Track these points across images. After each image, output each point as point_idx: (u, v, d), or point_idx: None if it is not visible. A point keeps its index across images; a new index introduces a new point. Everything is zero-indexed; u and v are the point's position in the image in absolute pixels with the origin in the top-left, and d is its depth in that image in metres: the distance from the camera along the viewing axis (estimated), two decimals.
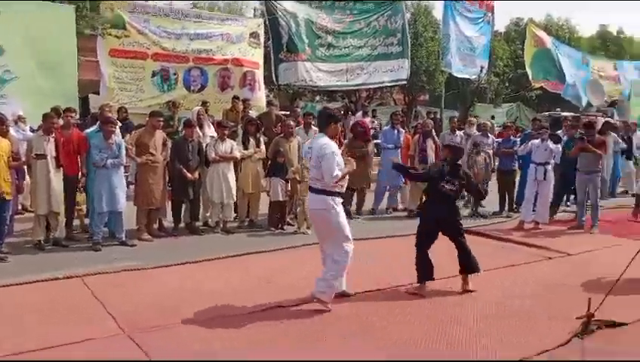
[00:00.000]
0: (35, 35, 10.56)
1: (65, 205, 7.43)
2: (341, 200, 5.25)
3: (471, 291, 5.74)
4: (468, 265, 5.83)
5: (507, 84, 24.73)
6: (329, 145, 5.11)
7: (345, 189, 5.42)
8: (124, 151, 7.56)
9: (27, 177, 7.91)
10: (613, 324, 4.84)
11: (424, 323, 4.92)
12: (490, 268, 6.55)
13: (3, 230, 6.66)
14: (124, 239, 7.51)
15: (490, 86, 22.90)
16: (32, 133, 8.41)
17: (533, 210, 9.24)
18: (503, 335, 4.66)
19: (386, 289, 5.76)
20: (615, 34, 32.59)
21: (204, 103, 11.14)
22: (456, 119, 12.06)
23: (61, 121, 7.58)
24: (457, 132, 11.00)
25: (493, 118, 21.54)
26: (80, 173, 7.55)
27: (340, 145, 10.00)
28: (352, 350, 4.35)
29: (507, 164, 10.35)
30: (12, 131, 8.51)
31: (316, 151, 5.15)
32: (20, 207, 8.95)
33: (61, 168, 7.28)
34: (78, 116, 9.68)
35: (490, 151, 10.56)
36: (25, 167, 7.53)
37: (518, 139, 10.72)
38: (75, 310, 5.06)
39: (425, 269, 5.67)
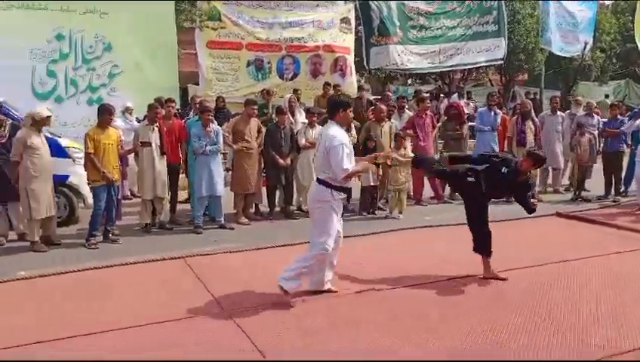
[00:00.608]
0: (139, 30, 11.17)
1: (169, 190, 7.88)
2: (342, 195, 4.86)
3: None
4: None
5: (614, 60, 23.06)
6: (338, 136, 4.71)
7: (350, 185, 4.94)
8: (221, 139, 7.87)
9: (132, 164, 8.45)
10: None
11: (524, 306, 4.76)
12: (595, 255, 6.23)
13: (112, 214, 7.17)
14: (223, 222, 7.84)
15: (595, 63, 21.45)
16: (138, 123, 8.94)
17: None
18: (610, 325, 4.42)
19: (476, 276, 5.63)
20: None
21: (295, 91, 11.33)
22: (558, 98, 11.42)
23: (163, 111, 8.00)
24: (559, 113, 10.45)
25: (607, 96, 20.18)
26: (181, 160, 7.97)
27: (433, 128, 9.87)
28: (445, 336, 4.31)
29: (613, 145, 9.70)
30: (120, 122, 9.14)
31: (324, 142, 4.79)
32: (128, 193, 9.60)
33: (164, 156, 7.71)
34: (178, 106, 10.21)
35: (596, 132, 9.96)
36: (132, 154, 8.04)
37: (626, 119, 10.02)
38: (179, 289, 5.37)
39: None
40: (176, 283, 5.54)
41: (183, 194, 8.86)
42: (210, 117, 7.86)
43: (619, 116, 10.00)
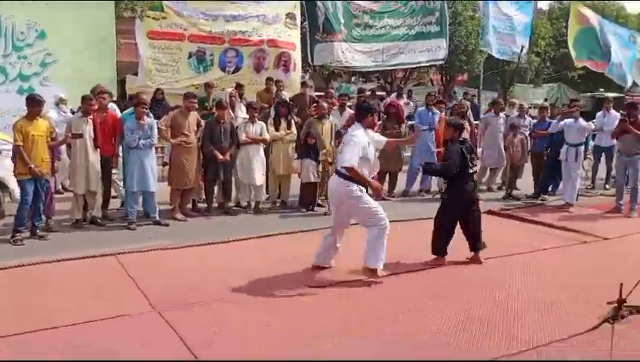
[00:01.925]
0: (75, 19, 10.77)
1: (102, 185, 7.65)
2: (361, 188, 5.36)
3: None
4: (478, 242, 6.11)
5: (549, 64, 24.02)
6: (357, 135, 5.31)
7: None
8: (155, 132, 7.69)
9: (65, 157, 8.17)
10: None
11: (454, 307, 4.89)
12: (524, 252, 6.48)
13: (40, 208, 6.88)
14: (157, 218, 7.68)
15: (530, 66, 22.26)
16: (72, 115, 8.63)
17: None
18: (535, 319, 4.62)
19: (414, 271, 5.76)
20: None
21: (238, 86, 11.20)
22: (500, 100, 11.79)
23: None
24: (501, 114, 10.76)
25: (546, 100, 20.95)
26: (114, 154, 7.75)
27: (374, 126, 9.98)
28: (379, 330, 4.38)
29: (541, 146, 10.12)
30: (53, 113, 8.79)
31: (345, 139, 5.44)
32: (60, 187, 9.26)
33: (98, 149, 7.48)
34: (115, 98, 9.93)
35: (527, 133, 10.35)
36: (64, 147, 7.75)
37: (555, 121, 10.45)
38: (109, 287, 5.23)
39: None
40: (106, 281, 5.40)
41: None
42: (145, 109, 7.65)
43: (547, 118, 10.40)
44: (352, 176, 5.23)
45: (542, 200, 9.84)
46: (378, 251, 5.37)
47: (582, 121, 9.05)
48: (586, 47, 22.42)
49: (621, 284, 4.60)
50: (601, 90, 22.70)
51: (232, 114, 8.83)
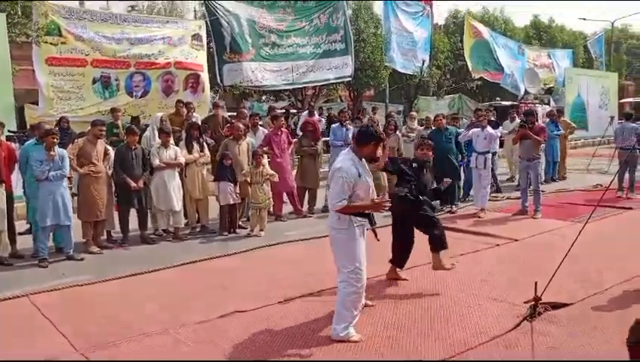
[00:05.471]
0: None
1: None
2: (361, 220, 4.53)
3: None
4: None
5: (448, 76, 25.25)
6: (342, 169, 4.39)
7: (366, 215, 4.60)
8: (67, 162, 7.30)
9: None
10: (558, 306, 5.07)
11: (372, 321, 5.00)
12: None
13: None
14: (71, 253, 7.27)
15: (432, 79, 23.32)
16: None
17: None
18: (457, 323, 4.80)
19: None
20: (547, 23, 33.72)
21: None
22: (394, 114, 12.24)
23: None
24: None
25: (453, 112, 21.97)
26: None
27: (290, 144, 10.04)
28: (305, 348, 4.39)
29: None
30: None
31: (331, 168, 4.48)
32: None
33: (3, 184, 7.00)
34: (13, 128, 9.37)
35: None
36: None
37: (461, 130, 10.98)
38: (23, 331, 4.89)
39: None
40: (21, 325, 5.04)
41: (23, 224, 8.13)
42: (55, 139, 7.24)
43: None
44: (346, 213, 4.45)
45: (452, 207, 10.13)
46: (348, 316, 4.54)
47: (490, 129, 9.53)
48: (481, 59, 23.96)
49: (535, 283, 4.90)
50: (498, 99, 24.14)
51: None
